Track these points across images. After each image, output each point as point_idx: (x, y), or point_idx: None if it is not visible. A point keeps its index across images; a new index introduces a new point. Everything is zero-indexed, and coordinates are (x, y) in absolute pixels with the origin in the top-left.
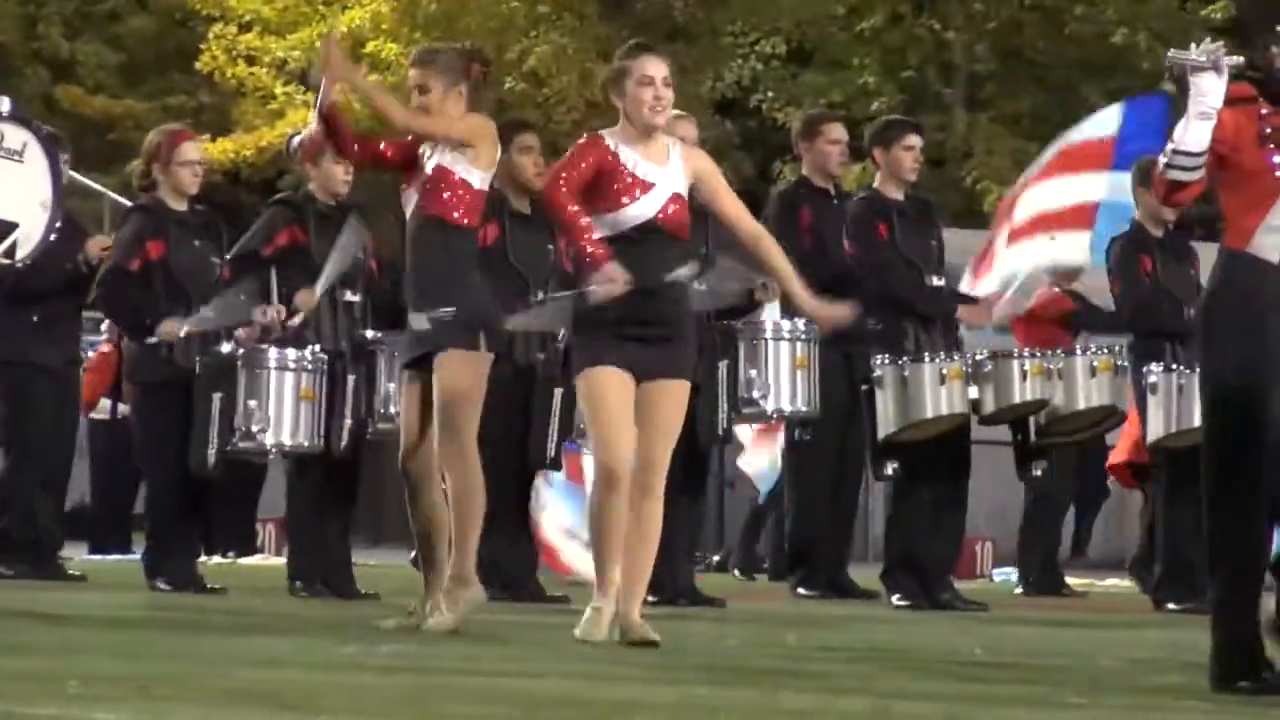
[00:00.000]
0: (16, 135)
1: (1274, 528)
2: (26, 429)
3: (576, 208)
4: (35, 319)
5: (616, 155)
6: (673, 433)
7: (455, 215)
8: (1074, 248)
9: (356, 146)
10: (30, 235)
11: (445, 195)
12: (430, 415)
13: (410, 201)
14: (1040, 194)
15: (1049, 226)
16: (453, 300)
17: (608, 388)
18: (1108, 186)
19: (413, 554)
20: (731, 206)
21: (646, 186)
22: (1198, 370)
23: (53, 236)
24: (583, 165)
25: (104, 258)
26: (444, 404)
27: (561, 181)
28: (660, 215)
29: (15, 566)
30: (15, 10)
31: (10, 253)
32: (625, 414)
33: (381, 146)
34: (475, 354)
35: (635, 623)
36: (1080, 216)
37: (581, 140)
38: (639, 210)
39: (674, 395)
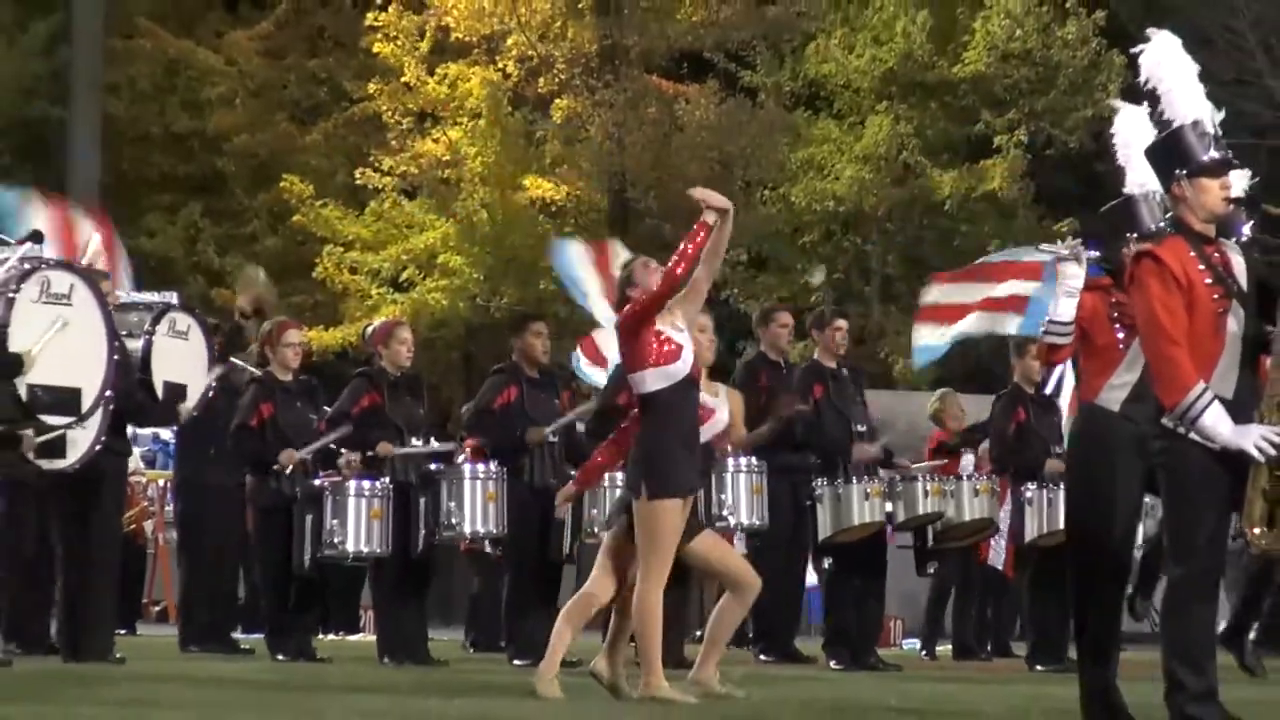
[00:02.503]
0: (184, 320)
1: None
2: (200, 538)
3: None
4: (212, 451)
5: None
6: None
7: None
8: (1008, 324)
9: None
10: (194, 394)
11: None
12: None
13: None
14: (982, 287)
15: (992, 308)
16: None
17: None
18: (1035, 289)
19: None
20: None
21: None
22: (1061, 490)
23: (210, 393)
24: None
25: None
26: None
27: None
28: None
29: (206, 645)
30: (180, 234)
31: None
32: None
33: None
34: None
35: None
36: (1017, 303)
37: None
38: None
39: None
